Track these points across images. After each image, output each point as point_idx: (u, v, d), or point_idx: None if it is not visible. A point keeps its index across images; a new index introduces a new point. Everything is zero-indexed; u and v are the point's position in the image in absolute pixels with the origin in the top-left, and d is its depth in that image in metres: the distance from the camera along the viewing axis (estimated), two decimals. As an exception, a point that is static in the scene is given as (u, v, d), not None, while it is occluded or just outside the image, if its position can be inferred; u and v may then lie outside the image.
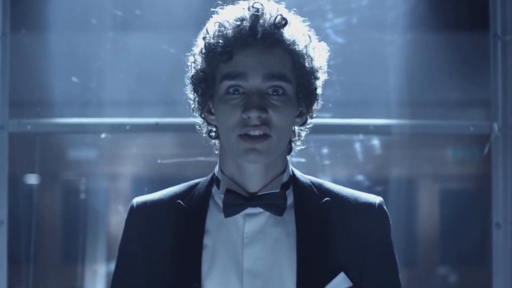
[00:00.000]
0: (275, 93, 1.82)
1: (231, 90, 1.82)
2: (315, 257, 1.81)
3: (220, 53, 1.84)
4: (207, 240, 1.86)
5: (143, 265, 1.88)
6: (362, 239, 1.85)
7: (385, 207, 1.91)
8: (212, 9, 1.89)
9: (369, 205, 1.89)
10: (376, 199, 1.90)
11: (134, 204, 1.94)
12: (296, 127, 1.94)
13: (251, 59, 1.82)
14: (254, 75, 1.81)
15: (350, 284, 1.81)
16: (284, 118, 1.82)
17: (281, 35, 1.85)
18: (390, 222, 1.90)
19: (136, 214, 1.93)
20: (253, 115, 1.79)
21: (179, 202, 1.90)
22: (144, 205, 1.93)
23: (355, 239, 1.85)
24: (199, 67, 1.89)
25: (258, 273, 1.83)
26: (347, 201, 1.89)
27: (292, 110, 1.85)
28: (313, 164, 3.47)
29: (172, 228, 1.88)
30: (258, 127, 1.80)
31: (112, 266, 3.50)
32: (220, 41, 1.84)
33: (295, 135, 1.95)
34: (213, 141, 1.95)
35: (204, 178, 1.94)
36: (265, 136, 1.80)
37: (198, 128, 1.95)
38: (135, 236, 1.91)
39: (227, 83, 1.82)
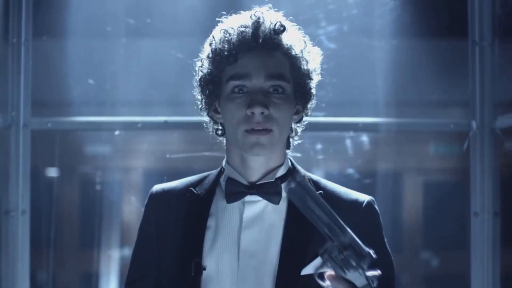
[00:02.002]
0: (275, 92, 1.85)
1: (236, 89, 1.85)
2: (298, 241, 1.83)
3: (226, 56, 1.87)
4: (210, 222, 1.89)
5: (157, 243, 1.92)
6: None
7: (374, 205, 1.90)
8: (217, 19, 1.92)
9: (358, 202, 1.89)
10: (366, 197, 1.90)
11: (153, 191, 1.97)
12: (293, 125, 1.96)
13: (254, 61, 1.85)
14: (257, 75, 1.84)
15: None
16: (284, 114, 1.85)
17: (280, 40, 1.88)
18: (380, 219, 1.89)
19: (154, 199, 1.96)
20: (257, 110, 1.82)
21: (191, 189, 1.93)
22: (162, 191, 1.96)
23: None
24: (206, 70, 1.91)
25: (253, 254, 1.86)
26: (338, 196, 1.90)
27: (290, 107, 1.88)
28: (308, 159, 3.47)
29: (183, 212, 1.91)
30: (261, 124, 1.82)
31: (125, 252, 3.55)
32: (226, 46, 1.88)
33: (292, 131, 1.96)
34: (219, 138, 1.97)
35: (215, 170, 1.97)
36: (267, 130, 1.83)
37: (205, 126, 1.97)
38: (152, 218, 1.95)
39: (233, 83, 1.86)
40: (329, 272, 1.70)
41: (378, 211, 1.90)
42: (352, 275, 1.70)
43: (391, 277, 1.90)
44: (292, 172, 1.92)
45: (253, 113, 1.83)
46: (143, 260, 1.94)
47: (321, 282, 1.73)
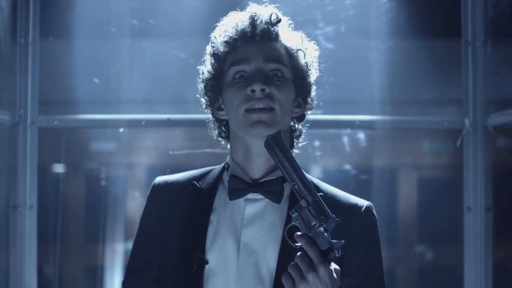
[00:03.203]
0: (275, 76, 1.85)
1: (237, 76, 1.86)
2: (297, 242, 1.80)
3: (226, 45, 1.88)
4: (213, 217, 1.89)
5: (158, 234, 1.91)
6: (345, 235, 1.82)
7: (373, 210, 1.89)
8: (218, 21, 1.94)
9: (357, 207, 1.89)
10: (365, 202, 1.90)
11: (156, 182, 1.97)
12: (296, 125, 1.95)
13: (253, 47, 1.87)
14: (256, 59, 1.85)
15: None
16: (285, 94, 1.85)
17: (277, 33, 1.90)
18: (377, 225, 1.89)
19: (157, 190, 1.96)
20: (257, 87, 1.81)
21: (194, 183, 1.93)
22: (164, 183, 1.96)
23: (339, 234, 1.80)
24: (208, 68, 1.92)
25: (252, 251, 1.86)
26: (338, 200, 1.90)
27: (291, 91, 1.88)
28: (306, 155, 3.46)
29: (185, 204, 1.91)
30: (262, 100, 1.82)
31: (129, 245, 3.53)
32: (225, 37, 1.89)
33: (295, 131, 1.96)
34: (223, 141, 1.97)
35: (219, 165, 1.97)
36: (269, 109, 1.82)
37: (209, 128, 1.98)
38: (154, 209, 1.94)
39: (233, 69, 1.86)
40: (297, 232, 1.75)
41: (376, 217, 1.90)
42: (317, 235, 1.75)
43: (379, 283, 1.90)
44: None
45: (253, 91, 1.82)
46: (144, 251, 1.94)
47: (290, 243, 1.77)
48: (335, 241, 1.75)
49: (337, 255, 1.74)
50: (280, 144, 1.79)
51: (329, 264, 1.73)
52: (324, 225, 1.74)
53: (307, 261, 1.72)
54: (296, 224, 1.77)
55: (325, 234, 1.74)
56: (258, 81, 1.82)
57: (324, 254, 1.73)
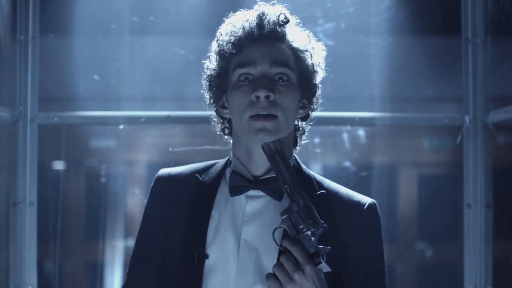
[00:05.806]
0: (280, 80, 1.84)
1: (242, 78, 1.85)
2: (298, 240, 1.79)
3: (232, 46, 1.87)
4: (214, 213, 1.89)
5: (161, 226, 1.91)
6: (347, 232, 1.84)
7: (376, 208, 1.88)
8: (223, 18, 1.93)
9: (360, 204, 1.88)
10: (367, 200, 1.89)
11: (160, 174, 1.97)
12: (300, 123, 1.95)
13: (259, 49, 1.85)
14: (262, 62, 1.84)
15: (328, 269, 1.78)
16: (289, 100, 1.84)
17: (285, 33, 1.88)
18: (380, 223, 1.88)
19: (160, 182, 1.96)
20: (262, 94, 1.81)
21: (197, 176, 1.93)
22: (167, 175, 1.96)
23: (341, 231, 1.83)
24: (213, 66, 1.91)
25: (252, 248, 1.85)
26: (341, 197, 1.89)
27: (295, 95, 1.87)
28: (306, 152, 3.45)
29: (188, 198, 1.91)
30: (266, 108, 1.81)
31: (129, 242, 3.55)
32: (232, 37, 1.88)
33: (299, 129, 1.96)
34: (226, 137, 1.97)
35: (223, 160, 1.97)
36: (272, 116, 1.81)
37: (213, 124, 1.97)
38: (157, 201, 1.94)
39: (238, 71, 1.85)
40: (284, 238, 1.77)
41: (380, 215, 1.89)
42: (304, 239, 1.76)
43: (380, 281, 1.89)
44: (295, 170, 1.90)
45: (258, 97, 1.82)
46: (148, 243, 1.94)
47: (277, 243, 1.79)
48: (321, 246, 1.76)
49: (322, 260, 1.76)
50: (276, 150, 1.81)
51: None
52: (312, 229, 1.76)
53: (292, 261, 1.74)
54: (284, 226, 1.79)
55: (312, 238, 1.76)
56: (263, 88, 1.82)
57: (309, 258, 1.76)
